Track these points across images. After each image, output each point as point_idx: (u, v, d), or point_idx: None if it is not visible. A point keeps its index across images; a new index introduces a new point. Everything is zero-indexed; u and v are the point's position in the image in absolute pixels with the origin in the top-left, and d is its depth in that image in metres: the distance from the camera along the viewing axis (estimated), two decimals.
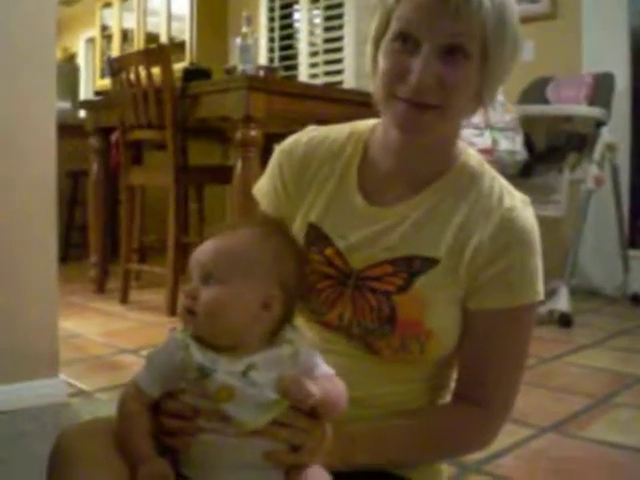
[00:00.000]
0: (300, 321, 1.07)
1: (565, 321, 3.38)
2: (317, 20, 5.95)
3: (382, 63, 0.99)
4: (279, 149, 1.18)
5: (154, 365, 0.90)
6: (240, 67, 3.53)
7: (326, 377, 0.90)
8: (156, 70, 3.49)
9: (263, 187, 1.19)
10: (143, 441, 0.87)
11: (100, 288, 4.23)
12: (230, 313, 0.89)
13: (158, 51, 3.62)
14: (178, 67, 3.99)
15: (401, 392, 1.07)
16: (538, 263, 1.04)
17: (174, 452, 0.89)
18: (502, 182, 1.07)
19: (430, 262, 1.02)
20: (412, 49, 0.95)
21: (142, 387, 0.89)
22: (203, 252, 0.94)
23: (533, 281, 1.03)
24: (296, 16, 6.15)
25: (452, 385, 1.11)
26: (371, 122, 1.15)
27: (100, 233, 4.25)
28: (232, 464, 0.86)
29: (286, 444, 0.87)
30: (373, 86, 1.02)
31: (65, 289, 3.98)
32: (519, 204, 1.04)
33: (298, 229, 1.11)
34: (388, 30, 0.98)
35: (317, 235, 1.09)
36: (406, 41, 0.95)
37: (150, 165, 4.41)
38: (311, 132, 1.17)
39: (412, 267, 1.02)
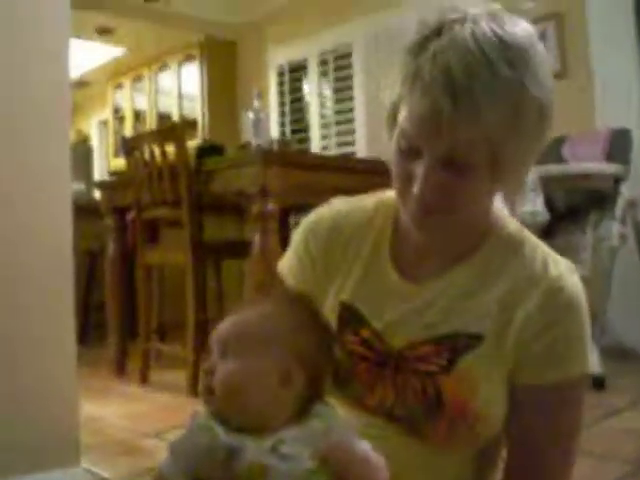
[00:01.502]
0: (338, 408, 1.00)
1: (598, 384, 3.28)
2: (327, 92, 6.00)
3: (393, 162, 0.96)
4: (303, 225, 1.14)
5: (179, 453, 0.85)
6: (254, 142, 3.53)
7: (367, 450, 0.84)
8: (169, 149, 3.49)
9: (288, 264, 1.14)
10: None
11: (120, 369, 4.16)
12: (246, 388, 0.85)
13: (172, 129, 3.64)
14: (191, 145, 4.00)
15: (446, 476, 1.00)
16: (587, 332, 0.97)
17: None
18: (545, 249, 1.02)
19: (475, 339, 0.96)
20: (416, 156, 0.92)
21: (168, 477, 0.85)
22: (222, 327, 0.91)
23: (583, 351, 0.96)
24: (306, 89, 6.21)
25: (499, 463, 1.03)
26: None
27: (118, 313, 4.21)
28: None
29: None
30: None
31: (84, 371, 3.90)
32: (565, 272, 0.98)
33: (330, 309, 1.05)
34: (397, 120, 0.95)
35: (351, 315, 1.03)
36: (410, 149, 0.92)
37: (166, 243, 4.39)
38: (335, 206, 1.13)
39: (456, 345, 0.96)
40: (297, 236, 1.14)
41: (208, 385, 0.87)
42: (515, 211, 3.19)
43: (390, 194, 1.11)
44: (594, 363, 3.31)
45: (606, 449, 2.38)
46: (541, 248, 1.02)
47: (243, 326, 0.90)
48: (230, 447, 0.81)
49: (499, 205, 1.07)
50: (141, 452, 2.55)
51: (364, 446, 0.83)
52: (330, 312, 1.05)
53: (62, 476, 2.07)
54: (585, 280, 3.39)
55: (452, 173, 0.89)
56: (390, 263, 1.04)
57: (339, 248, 1.08)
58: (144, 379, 3.85)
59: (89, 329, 5.41)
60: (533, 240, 1.03)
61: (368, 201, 1.12)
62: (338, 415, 0.90)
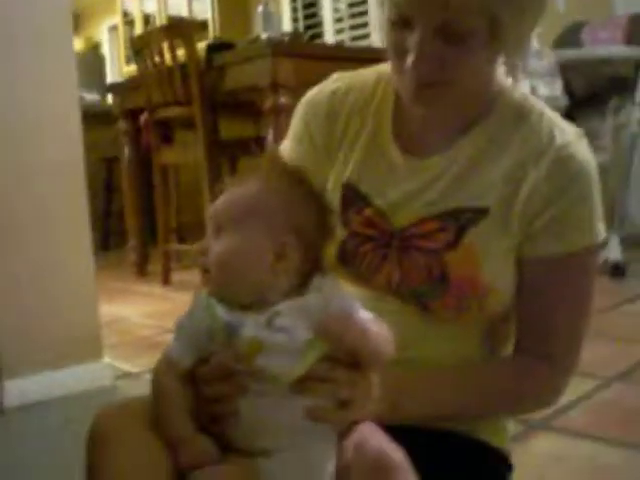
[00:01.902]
0: (346, 286, 0.97)
1: (618, 271, 3.27)
2: None
3: (385, 35, 0.90)
4: (302, 104, 1.09)
5: (182, 333, 0.84)
6: (264, 35, 3.45)
7: (367, 320, 0.80)
8: (180, 49, 3.43)
9: (289, 145, 1.10)
10: (181, 418, 0.81)
11: (141, 271, 4.21)
12: (241, 264, 0.82)
13: (179, 26, 3.56)
14: (202, 45, 3.92)
15: (456, 351, 0.99)
16: (597, 201, 0.94)
17: (216, 424, 0.82)
18: (551, 116, 0.97)
19: (479, 212, 0.93)
20: (408, 27, 0.85)
21: (174, 358, 0.83)
22: (214, 205, 0.88)
23: (593, 221, 0.93)
24: None
25: (510, 344, 1.02)
26: None
27: (137, 217, 4.23)
28: (276, 429, 0.79)
29: (331, 401, 0.79)
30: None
31: (107, 275, 3.96)
32: (573, 139, 0.94)
33: (332, 190, 1.02)
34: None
35: (354, 195, 1.00)
36: (401, 20, 0.86)
37: (181, 143, 4.35)
38: (335, 82, 1.08)
39: (460, 220, 0.93)
40: (296, 116, 1.09)
41: (202, 263, 0.84)
42: (526, 69, 3.12)
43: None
44: (614, 250, 3.29)
45: (628, 332, 2.40)
46: (547, 115, 0.97)
47: (236, 201, 0.86)
48: (229, 325, 0.79)
49: (502, 76, 1.02)
50: (163, 347, 2.58)
51: (365, 316, 0.81)
52: (333, 193, 1.02)
53: (85, 371, 2.11)
54: (605, 167, 3.35)
55: (448, 42, 0.84)
56: (392, 140, 1.00)
57: (340, 126, 1.03)
58: (166, 280, 3.89)
59: (110, 235, 5.46)
60: (538, 107, 0.98)
61: (369, 75, 1.07)
62: (339, 287, 0.87)
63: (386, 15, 0.89)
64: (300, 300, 0.81)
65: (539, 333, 0.97)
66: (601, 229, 0.94)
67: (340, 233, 0.99)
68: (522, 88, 1.04)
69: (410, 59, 0.85)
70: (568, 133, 0.95)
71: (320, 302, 0.81)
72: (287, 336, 0.78)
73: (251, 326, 0.79)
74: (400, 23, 0.86)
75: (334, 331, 0.77)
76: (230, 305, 0.82)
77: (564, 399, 1.70)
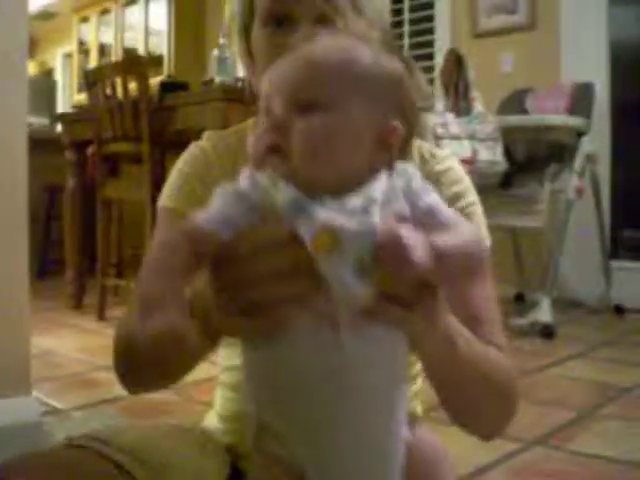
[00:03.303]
0: None
1: (548, 333, 3.35)
2: None
3: (259, 53, 0.89)
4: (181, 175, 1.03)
5: (224, 202, 0.65)
6: (217, 79, 3.49)
7: (450, 217, 0.67)
8: (132, 84, 3.44)
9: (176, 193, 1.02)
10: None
11: (77, 304, 4.16)
12: (340, 147, 0.66)
13: (134, 62, 3.59)
14: (156, 81, 3.95)
15: None
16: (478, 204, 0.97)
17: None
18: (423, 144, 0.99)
19: None
20: (288, 30, 0.85)
21: (207, 228, 0.63)
22: (285, 73, 0.70)
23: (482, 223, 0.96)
24: None
25: None
26: None
27: (76, 248, 4.19)
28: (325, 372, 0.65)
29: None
30: (252, 80, 0.94)
31: (41, 306, 3.91)
32: (447, 155, 0.98)
33: None
34: (255, 14, 0.90)
35: None
36: (275, 19, 0.86)
37: (126, 179, 4.34)
38: (203, 143, 1.06)
39: None
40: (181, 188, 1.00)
41: (274, 143, 0.67)
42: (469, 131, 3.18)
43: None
44: (545, 312, 3.38)
45: (553, 395, 2.45)
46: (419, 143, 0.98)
47: (331, 67, 0.68)
48: (298, 199, 0.62)
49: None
50: (95, 384, 2.56)
51: (446, 210, 0.67)
52: None
53: (11, 405, 2.07)
54: (540, 232, 3.46)
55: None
56: None
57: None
58: (101, 315, 3.85)
59: (48, 264, 5.38)
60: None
61: (231, 129, 1.05)
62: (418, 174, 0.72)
63: (247, 21, 0.90)
64: (389, 183, 0.66)
65: (474, 324, 0.90)
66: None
67: None
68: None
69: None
70: (441, 153, 0.98)
71: (404, 188, 0.67)
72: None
73: (331, 209, 0.62)
74: (274, 23, 0.87)
75: (392, 261, 0.60)
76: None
77: (483, 459, 1.76)
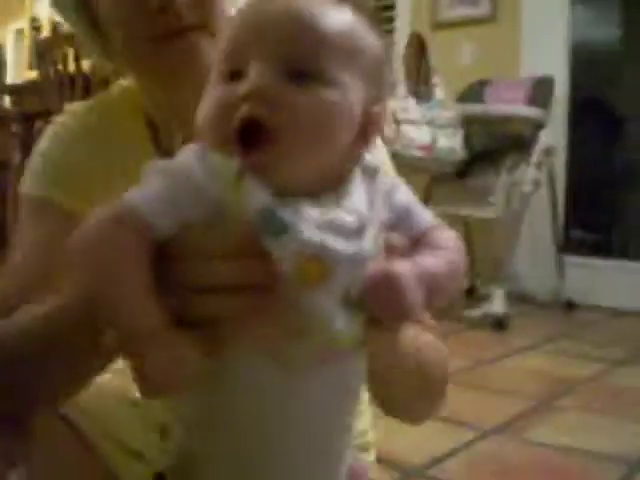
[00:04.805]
0: None
1: (500, 324, 3.33)
2: None
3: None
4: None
5: (167, 187, 0.51)
6: None
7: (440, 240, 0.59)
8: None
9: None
10: (151, 301, 0.49)
11: None
12: (338, 132, 0.55)
13: None
14: None
15: None
16: None
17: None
18: None
19: None
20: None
21: (146, 218, 0.50)
22: (275, 28, 0.54)
23: None
24: None
25: None
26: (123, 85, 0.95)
27: None
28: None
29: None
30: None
31: None
32: None
33: None
34: None
35: None
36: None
37: None
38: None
39: None
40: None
41: (254, 119, 0.52)
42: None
43: (113, 92, 0.96)
44: (498, 304, 3.36)
45: (507, 386, 2.42)
46: None
47: (331, 34, 0.55)
48: (276, 215, 0.49)
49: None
50: None
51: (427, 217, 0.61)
52: None
53: None
54: (494, 223, 3.43)
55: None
56: None
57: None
58: None
59: None
60: None
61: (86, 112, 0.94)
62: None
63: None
64: (369, 187, 0.57)
65: None
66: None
67: None
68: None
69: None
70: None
71: (386, 193, 0.59)
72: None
73: (315, 227, 0.50)
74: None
75: (387, 307, 0.52)
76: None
77: (440, 449, 1.71)
